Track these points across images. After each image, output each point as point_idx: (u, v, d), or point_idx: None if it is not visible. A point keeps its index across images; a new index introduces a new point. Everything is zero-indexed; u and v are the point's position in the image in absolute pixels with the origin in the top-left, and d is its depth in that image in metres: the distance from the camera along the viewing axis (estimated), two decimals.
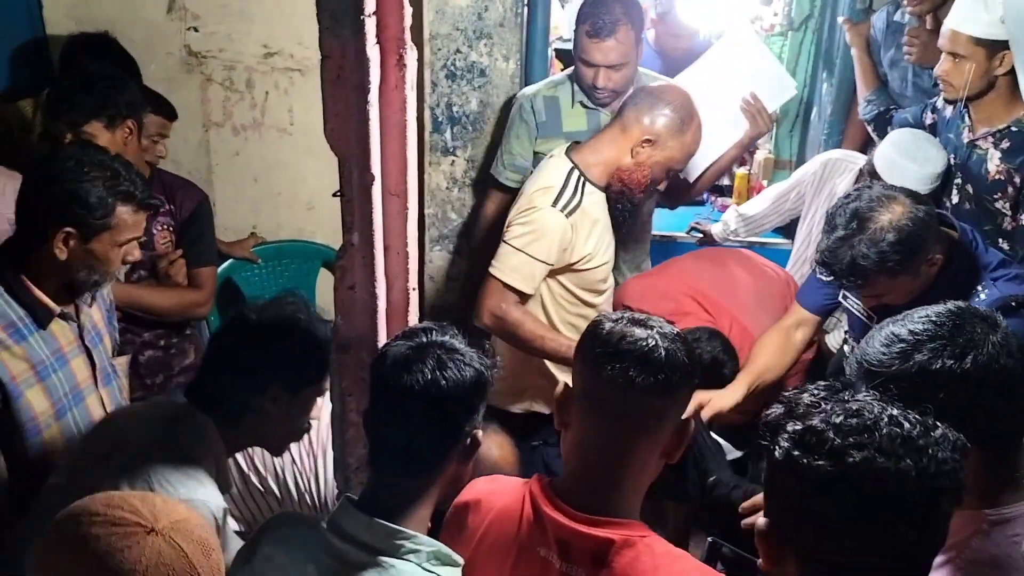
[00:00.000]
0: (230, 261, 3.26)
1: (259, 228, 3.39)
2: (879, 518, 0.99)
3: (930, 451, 0.98)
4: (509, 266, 2.31)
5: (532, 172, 2.51)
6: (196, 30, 3.16)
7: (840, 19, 3.05)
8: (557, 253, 2.31)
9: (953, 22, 2.39)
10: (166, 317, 2.60)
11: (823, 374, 2.63)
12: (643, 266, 2.87)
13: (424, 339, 1.36)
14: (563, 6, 3.82)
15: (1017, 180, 2.38)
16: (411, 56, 1.44)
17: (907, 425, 1.00)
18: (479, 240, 2.93)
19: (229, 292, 3.30)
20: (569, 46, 2.91)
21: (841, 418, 1.01)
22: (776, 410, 1.08)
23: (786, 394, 1.11)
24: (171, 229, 2.60)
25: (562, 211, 2.29)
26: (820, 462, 1.00)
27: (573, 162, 2.35)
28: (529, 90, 2.81)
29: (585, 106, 2.72)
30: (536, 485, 1.37)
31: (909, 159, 2.45)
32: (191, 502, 1.49)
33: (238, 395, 1.71)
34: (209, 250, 2.69)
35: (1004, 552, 1.30)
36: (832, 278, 2.02)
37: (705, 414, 2.13)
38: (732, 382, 2.23)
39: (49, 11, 3.08)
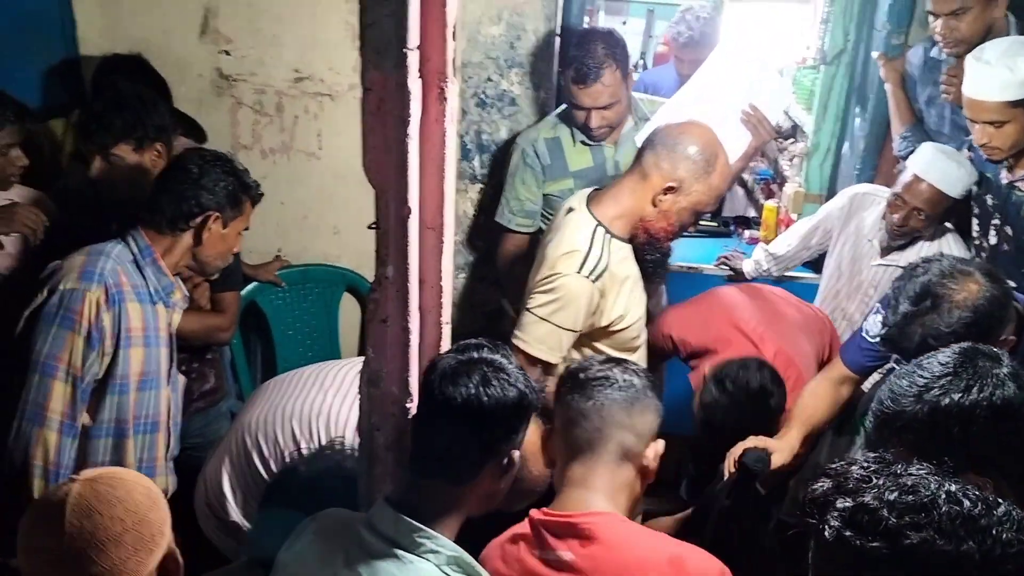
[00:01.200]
0: (255, 284, 3.25)
1: (284, 252, 3.37)
2: None
3: (994, 532, 0.92)
4: (534, 337, 2.13)
5: (554, 227, 2.27)
6: (228, 53, 3.17)
7: (874, 54, 3.03)
8: (585, 319, 2.14)
9: (976, 92, 2.30)
10: (189, 341, 2.58)
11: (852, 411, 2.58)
12: (661, 300, 2.83)
13: (475, 355, 1.42)
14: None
15: None
16: (452, 90, 1.42)
17: (967, 503, 0.94)
18: (502, 279, 2.91)
19: (254, 315, 3.29)
20: None
21: (896, 495, 0.95)
22: (823, 484, 1.01)
23: (833, 466, 1.05)
24: None
25: (588, 276, 2.09)
26: (875, 543, 0.93)
27: (596, 218, 2.15)
28: (530, 134, 2.79)
29: (586, 143, 2.72)
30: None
31: (949, 158, 2.47)
32: None
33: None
34: (233, 274, 2.68)
35: None
36: (898, 355, 1.92)
37: (776, 461, 2.06)
38: (784, 430, 2.16)
39: (83, 30, 3.10)
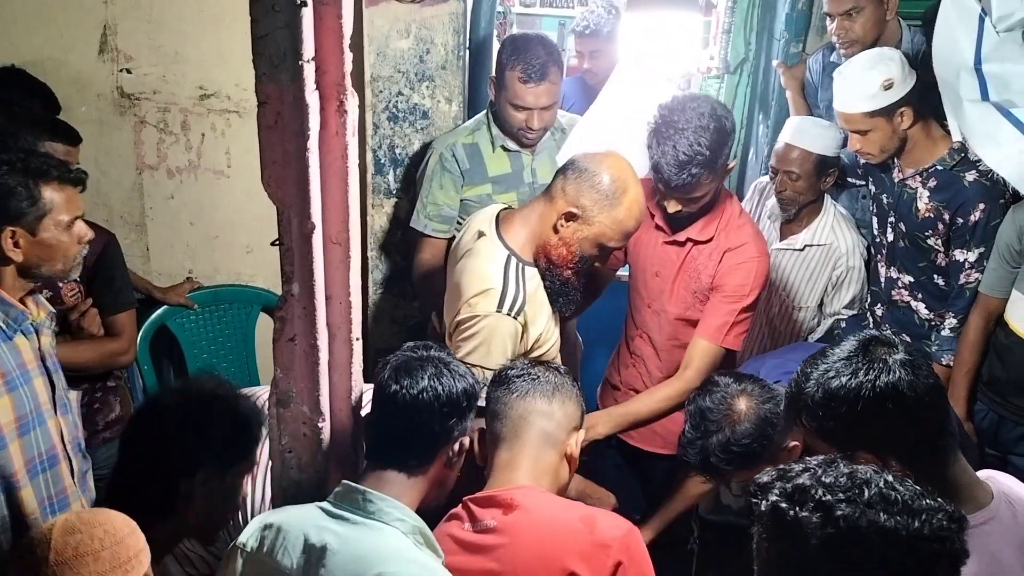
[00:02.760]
0: (165, 307, 3.15)
1: (195, 273, 3.28)
2: None
3: (924, 516, 0.95)
4: None
5: (462, 245, 2.18)
6: (129, 71, 3.07)
7: (775, 62, 3.13)
8: (512, 353, 2.06)
9: (840, 104, 2.48)
10: (88, 371, 2.47)
11: None
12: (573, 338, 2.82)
13: (425, 352, 1.59)
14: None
15: (946, 217, 2.45)
16: (352, 102, 1.40)
17: (901, 488, 0.98)
18: (419, 289, 2.89)
19: (164, 339, 3.18)
20: None
21: (832, 478, 1.00)
22: (769, 473, 1.07)
23: (781, 466, 1.11)
24: (76, 280, 2.39)
25: (509, 314, 2.02)
26: (805, 514, 0.97)
27: (507, 246, 2.09)
28: (447, 139, 2.76)
29: (507, 149, 2.71)
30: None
31: (815, 124, 2.66)
32: None
33: (164, 484, 1.57)
34: (123, 293, 2.54)
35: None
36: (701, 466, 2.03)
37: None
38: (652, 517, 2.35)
39: None
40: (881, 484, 0.98)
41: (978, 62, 2.15)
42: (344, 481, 1.52)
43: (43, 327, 1.98)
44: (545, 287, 2.12)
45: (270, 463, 1.70)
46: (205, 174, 3.20)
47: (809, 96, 3.04)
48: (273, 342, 1.54)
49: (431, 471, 1.56)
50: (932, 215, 2.48)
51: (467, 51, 2.93)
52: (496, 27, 5.70)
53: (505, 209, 2.20)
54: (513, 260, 2.07)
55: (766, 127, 3.27)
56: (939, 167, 2.47)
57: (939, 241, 2.51)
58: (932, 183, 2.48)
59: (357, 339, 1.60)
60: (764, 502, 1.03)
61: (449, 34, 2.83)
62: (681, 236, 2.33)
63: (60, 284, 2.42)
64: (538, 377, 1.77)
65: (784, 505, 1.00)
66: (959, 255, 2.47)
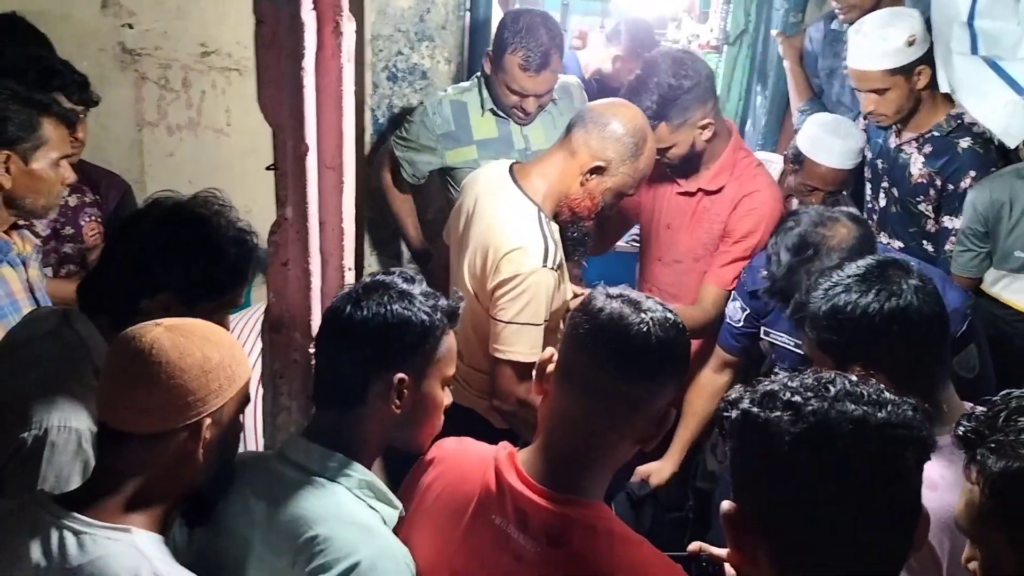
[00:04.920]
0: None
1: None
2: (844, 474, 0.95)
3: (889, 406, 0.98)
4: (526, 345, 2.02)
5: (477, 203, 2.14)
6: (131, 27, 3.08)
7: (774, 32, 3.14)
8: (550, 308, 2.06)
9: (859, 62, 2.43)
10: None
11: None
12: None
13: (380, 280, 1.39)
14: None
15: (939, 183, 2.47)
16: (348, 26, 1.42)
17: (865, 386, 1.01)
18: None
19: None
20: None
21: (798, 382, 1.02)
22: (737, 390, 1.07)
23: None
24: (99, 220, 2.52)
25: (552, 268, 2.02)
26: (776, 414, 0.98)
27: (533, 200, 2.06)
28: (436, 95, 2.76)
29: (496, 114, 2.68)
30: (503, 452, 1.35)
31: (832, 134, 2.51)
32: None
33: (125, 297, 1.52)
34: None
35: (939, 473, 1.36)
36: (788, 305, 1.96)
37: (654, 482, 2.30)
38: (669, 449, 2.33)
39: None
40: (847, 383, 1.01)
41: (971, 17, 2.16)
42: (295, 433, 1.47)
43: (30, 259, 2.01)
44: (567, 239, 2.12)
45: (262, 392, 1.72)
46: (205, 132, 3.21)
47: (808, 66, 3.06)
48: (267, 267, 1.56)
49: (370, 410, 1.37)
50: (924, 181, 2.50)
51: (468, 11, 2.94)
52: (500, 3, 5.75)
53: (517, 163, 2.20)
54: (542, 215, 2.06)
55: (764, 98, 3.29)
56: (935, 133, 2.48)
57: (930, 207, 2.53)
58: (927, 148, 2.49)
59: (350, 268, 1.63)
60: (735, 412, 1.04)
61: None
62: (692, 186, 2.39)
63: (82, 223, 2.49)
64: (633, 341, 1.28)
65: (755, 410, 1.01)
66: (947, 222, 2.49)
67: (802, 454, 0.97)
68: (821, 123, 2.57)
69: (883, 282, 1.49)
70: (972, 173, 2.41)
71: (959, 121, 2.44)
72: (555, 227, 2.09)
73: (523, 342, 2.02)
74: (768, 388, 1.03)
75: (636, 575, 1.23)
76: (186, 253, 1.56)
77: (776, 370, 2.18)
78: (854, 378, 1.03)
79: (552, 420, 1.32)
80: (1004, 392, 1.18)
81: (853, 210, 2.11)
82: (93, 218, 2.53)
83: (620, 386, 1.25)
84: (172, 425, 1.24)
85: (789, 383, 1.02)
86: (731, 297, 2.33)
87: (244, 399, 1.34)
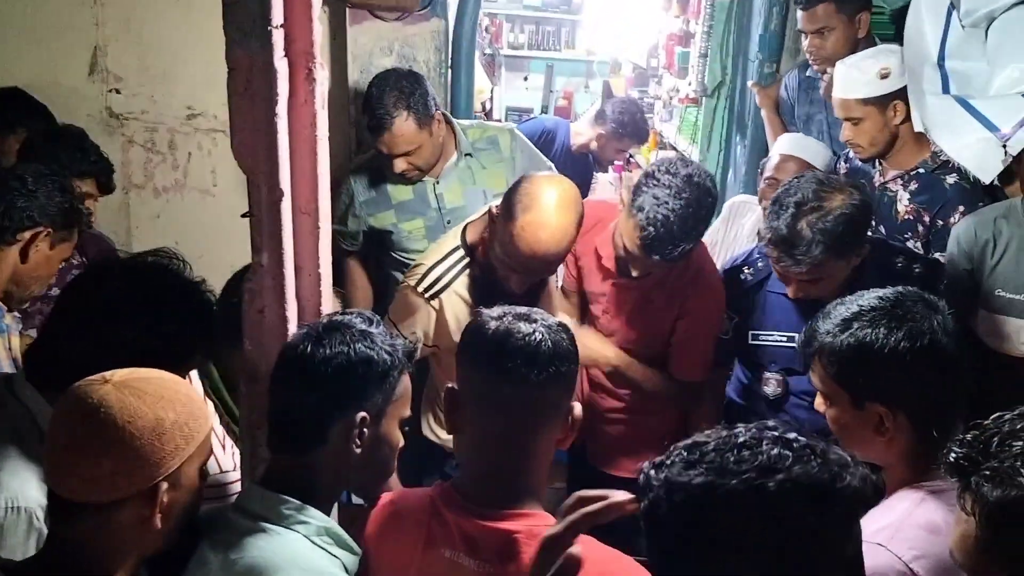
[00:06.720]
0: None
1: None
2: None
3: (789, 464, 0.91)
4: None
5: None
6: (118, 92, 3.13)
7: (750, 83, 3.20)
8: (410, 328, 2.15)
9: (838, 91, 2.54)
10: None
11: None
12: None
13: (341, 320, 1.38)
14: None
15: (926, 218, 2.48)
16: (321, 73, 1.44)
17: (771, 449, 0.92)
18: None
19: None
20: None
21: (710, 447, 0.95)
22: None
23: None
24: None
25: (418, 292, 2.17)
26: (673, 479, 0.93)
27: (464, 239, 2.18)
28: (356, 162, 2.77)
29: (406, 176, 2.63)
30: (438, 488, 1.38)
31: (807, 138, 2.73)
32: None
33: (75, 366, 1.33)
34: None
35: (943, 518, 1.33)
36: (782, 254, 2.02)
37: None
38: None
39: None
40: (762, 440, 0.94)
41: (941, 58, 2.20)
42: (251, 482, 1.42)
43: (11, 329, 2.02)
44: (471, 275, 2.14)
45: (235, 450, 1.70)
46: (191, 193, 3.23)
47: (784, 114, 3.11)
48: (243, 314, 1.55)
49: (330, 452, 1.33)
50: (912, 217, 2.51)
51: (449, 69, 3.00)
52: (485, 66, 5.88)
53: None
54: (460, 250, 2.14)
55: (743, 147, 3.33)
56: (921, 170, 2.51)
57: (918, 244, 2.53)
58: (913, 185, 2.52)
59: (328, 314, 1.62)
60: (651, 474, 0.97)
61: (431, 51, 2.91)
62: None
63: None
64: (538, 351, 1.35)
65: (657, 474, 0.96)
66: (938, 258, 2.49)
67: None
68: (796, 133, 2.86)
69: (911, 319, 1.44)
70: (961, 208, 2.43)
71: (945, 158, 2.46)
72: (462, 264, 2.13)
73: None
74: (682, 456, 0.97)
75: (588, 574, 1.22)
76: (141, 319, 1.49)
77: (767, 375, 2.21)
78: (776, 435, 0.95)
79: (474, 445, 1.37)
80: (996, 415, 1.15)
81: (853, 180, 2.17)
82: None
83: (531, 394, 1.30)
84: (124, 494, 1.17)
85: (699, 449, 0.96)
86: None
87: (205, 454, 1.28)
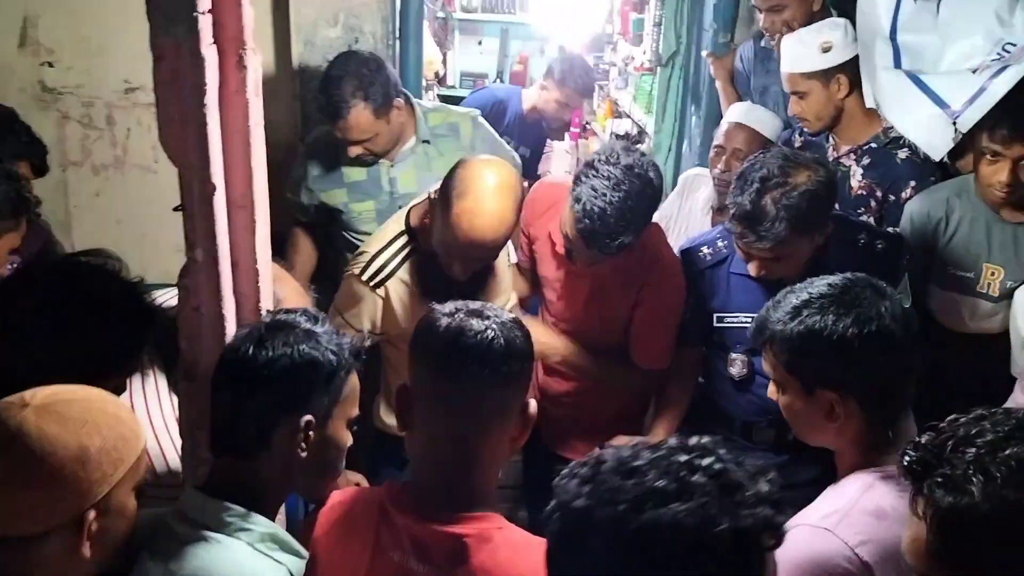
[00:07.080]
0: None
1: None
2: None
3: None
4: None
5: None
6: (51, 65, 2.99)
7: (704, 53, 3.16)
8: (358, 319, 2.15)
9: (784, 65, 2.55)
10: None
11: None
12: None
13: (284, 319, 1.34)
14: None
15: (879, 193, 2.49)
16: (253, 59, 1.37)
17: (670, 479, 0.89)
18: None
19: None
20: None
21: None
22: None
23: None
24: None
25: (363, 281, 2.15)
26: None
27: (408, 225, 2.15)
28: (313, 134, 2.70)
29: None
30: (386, 490, 1.34)
31: (762, 109, 2.69)
32: None
33: (2, 381, 1.29)
34: None
35: (891, 504, 1.34)
36: (746, 229, 1.99)
37: None
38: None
39: None
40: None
41: (893, 31, 2.19)
42: (191, 487, 1.38)
43: None
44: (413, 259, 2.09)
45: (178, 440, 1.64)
46: (132, 170, 3.11)
47: (739, 85, 3.08)
48: (178, 312, 1.49)
49: (276, 456, 1.31)
50: (864, 192, 2.52)
51: (396, 40, 2.91)
52: (436, 30, 5.75)
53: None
54: (404, 236, 2.08)
55: (698, 117, 3.30)
56: (873, 144, 2.50)
57: (871, 219, 2.54)
58: (866, 160, 2.52)
59: (267, 311, 1.56)
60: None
61: (378, 23, 2.81)
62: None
63: None
64: (490, 349, 1.33)
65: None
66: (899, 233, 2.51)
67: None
68: (748, 103, 2.85)
69: (859, 305, 1.44)
70: (912, 183, 2.44)
71: (896, 133, 2.46)
72: (407, 251, 2.08)
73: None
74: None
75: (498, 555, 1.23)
76: (75, 331, 1.42)
77: (732, 355, 2.21)
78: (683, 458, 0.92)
79: (425, 445, 1.32)
80: (951, 417, 1.14)
81: (818, 157, 2.14)
82: (15, 266, 2.43)
83: (483, 394, 1.26)
84: (46, 526, 1.11)
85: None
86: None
87: (138, 475, 1.22)
